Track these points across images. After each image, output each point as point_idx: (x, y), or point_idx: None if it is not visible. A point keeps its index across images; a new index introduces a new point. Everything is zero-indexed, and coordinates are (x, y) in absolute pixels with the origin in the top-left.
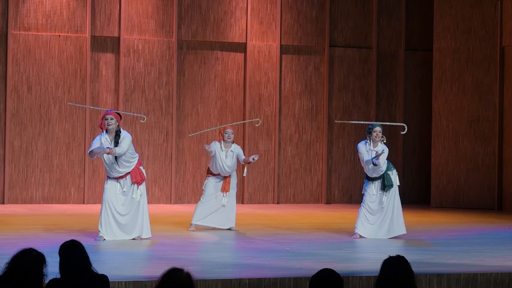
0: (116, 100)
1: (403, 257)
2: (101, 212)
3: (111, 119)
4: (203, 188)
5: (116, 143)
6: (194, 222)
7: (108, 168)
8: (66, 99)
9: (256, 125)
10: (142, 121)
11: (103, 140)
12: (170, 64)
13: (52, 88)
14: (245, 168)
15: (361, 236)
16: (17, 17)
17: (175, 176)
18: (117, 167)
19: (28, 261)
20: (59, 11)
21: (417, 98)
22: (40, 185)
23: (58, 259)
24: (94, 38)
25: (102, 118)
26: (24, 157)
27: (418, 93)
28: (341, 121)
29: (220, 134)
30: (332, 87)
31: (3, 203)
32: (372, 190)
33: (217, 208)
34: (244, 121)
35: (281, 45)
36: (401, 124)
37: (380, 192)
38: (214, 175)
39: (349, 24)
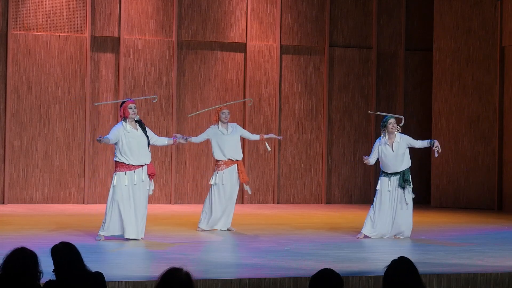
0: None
1: (407, 259)
2: (119, 211)
3: (135, 107)
4: (211, 183)
5: (144, 131)
6: (203, 227)
7: (131, 154)
8: (66, 99)
9: (248, 104)
10: (154, 101)
11: (128, 128)
12: (170, 64)
13: (52, 88)
14: (266, 142)
15: (365, 236)
16: (17, 17)
17: (175, 176)
18: (147, 153)
19: (23, 259)
20: (59, 11)
21: (417, 98)
22: (40, 185)
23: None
24: (94, 38)
25: (125, 107)
26: (24, 157)
27: (418, 93)
28: (373, 112)
29: (217, 114)
30: (332, 87)
31: (3, 203)
32: (387, 187)
33: (226, 207)
34: (236, 101)
35: (281, 45)
36: (400, 116)
37: (397, 189)
38: (227, 165)
39: (349, 24)
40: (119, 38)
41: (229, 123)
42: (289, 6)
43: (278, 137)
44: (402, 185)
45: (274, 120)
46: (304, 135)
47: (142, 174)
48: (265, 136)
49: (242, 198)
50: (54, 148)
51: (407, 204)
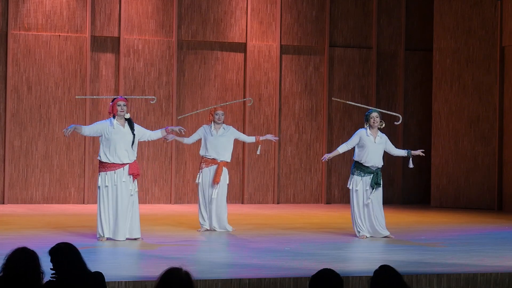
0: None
1: (389, 267)
2: (104, 212)
3: (124, 105)
4: (196, 182)
5: (132, 129)
6: (202, 224)
7: (110, 152)
8: (66, 99)
9: (248, 104)
10: (152, 102)
11: (115, 124)
12: (170, 64)
13: (52, 88)
14: (259, 146)
15: (366, 236)
16: (17, 17)
17: (175, 176)
18: (130, 152)
19: (24, 260)
20: (59, 11)
21: (417, 98)
22: (40, 185)
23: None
24: (94, 38)
25: (114, 104)
26: (24, 157)
27: (418, 93)
28: (338, 100)
29: (211, 115)
30: (332, 87)
31: (3, 203)
32: (359, 186)
33: (215, 207)
34: (235, 101)
35: (281, 45)
36: (397, 114)
37: (367, 188)
38: (207, 164)
39: (349, 24)
40: (119, 38)
41: (223, 125)
42: (289, 6)
43: (274, 139)
44: (373, 186)
45: (274, 120)
46: (304, 135)
47: (122, 174)
48: (261, 138)
49: (242, 198)
50: (54, 148)
51: (377, 202)
